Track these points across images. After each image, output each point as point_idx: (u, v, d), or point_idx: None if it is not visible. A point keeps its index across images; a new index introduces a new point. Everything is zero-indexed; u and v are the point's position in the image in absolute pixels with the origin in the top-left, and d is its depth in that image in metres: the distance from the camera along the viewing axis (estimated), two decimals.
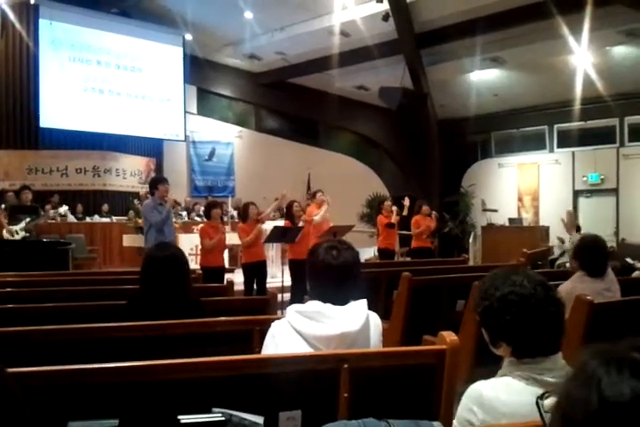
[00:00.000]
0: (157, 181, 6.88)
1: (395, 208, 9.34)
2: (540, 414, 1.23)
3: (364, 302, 2.14)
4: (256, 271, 7.38)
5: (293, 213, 7.82)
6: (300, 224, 7.79)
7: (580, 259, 3.79)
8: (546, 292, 1.63)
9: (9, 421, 0.78)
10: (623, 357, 0.87)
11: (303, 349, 2.02)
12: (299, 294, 7.30)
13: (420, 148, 15.04)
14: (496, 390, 1.58)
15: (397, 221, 9.39)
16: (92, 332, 2.60)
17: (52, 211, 12.37)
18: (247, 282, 7.32)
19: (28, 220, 7.68)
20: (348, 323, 2.04)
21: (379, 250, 9.56)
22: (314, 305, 2.08)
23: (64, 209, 11.38)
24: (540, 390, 1.52)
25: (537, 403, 1.26)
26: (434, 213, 9.73)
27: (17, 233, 7.52)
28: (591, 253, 3.78)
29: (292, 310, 2.09)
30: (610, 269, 3.84)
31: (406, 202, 9.68)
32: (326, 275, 2.12)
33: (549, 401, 1.21)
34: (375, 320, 2.20)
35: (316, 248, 2.20)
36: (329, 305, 2.06)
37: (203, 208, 9.95)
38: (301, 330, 2.04)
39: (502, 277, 1.68)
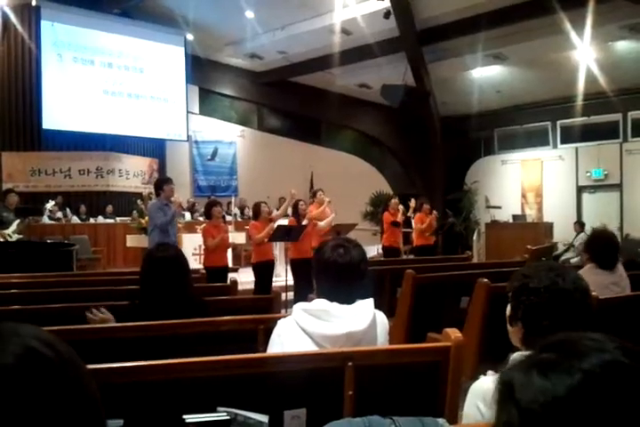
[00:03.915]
0: (163, 182, 6.89)
1: (401, 207, 9.39)
2: None
3: (370, 302, 2.14)
4: (267, 270, 7.41)
5: (299, 211, 7.87)
6: (304, 223, 7.81)
7: (590, 251, 3.80)
8: (583, 298, 1.63)
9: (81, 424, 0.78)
10: (531, 358, 0.80)
11: (309, 348, 2.02)
12: (302, 294, 7.33)
13: (422, 145, 15.02)
14: None
15: (403, 220, 9.46)
16: (96, 332, 2.60)
17: (58, 212, 12.45)
18: (259, 282, 7.31)
19: (17, 222, 7.70)
20: (354, 322, 2.04)
21: (383, 248, 9.57)
22: (320, 304, 2.08)
23: (51, 205, 11.59)
24: None
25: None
26: (434, 211, 9.84)
27: (10, 236, 7.53)
28: (602, 246, 3.80)
29: (299, 308, 2.09)
30: (620, 263, 3.84)
31: (412, 203, 9.73)
32: (333, 273, 2.12)
33: None
34: (382, 319, 2.20)
35: (323, 246, 2.20)
36: (335, 304, 2.06)
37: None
38: (308, 329, 2.03)
39: (550, 268, 1.70)
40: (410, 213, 9.69)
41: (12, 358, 0.74)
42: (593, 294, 3.20)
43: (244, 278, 7.37)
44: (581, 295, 1.63)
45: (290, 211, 8.19)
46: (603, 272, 3.68)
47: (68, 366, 0.78)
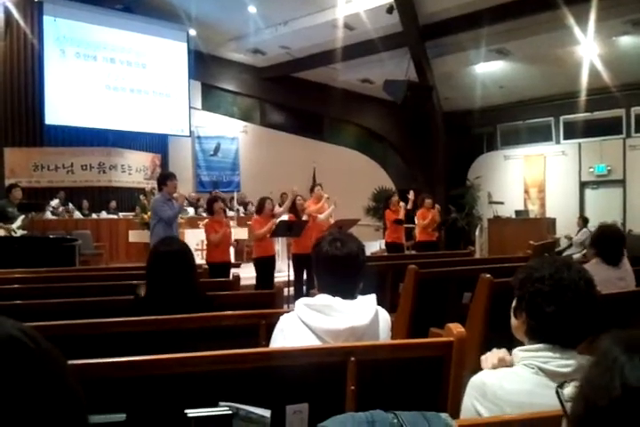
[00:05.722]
0: (166, 177, 6.93)
1: (402, 204, 9.39)
2: (561, 404, 1.23)
3: (373, 297, 2.15)
4: (268, 266, 7.43)
5: (297, 207, 7.88)
6: (304, 218, 7.83)
7: (597, 246, 3.83)
8: (588, 288, 1.63)
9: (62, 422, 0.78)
10: None
11: (311, 342, 2.02)
12: (300, 288, 7.37)
13: (425, 141, 15.00)
14: (500, 379, 1.57)
15: (405, 214, 9.46)
16: (99, 327, 2.60)
17: (61, 208, 12.46)
18: (260, 277, 7.35)
19: (22, 217, 7.70)
20: (357, 317, 2.04)
21: (386, 244, 9.58)
22: (323, 299, 2.08)
23: (55, 202, 11.67)
24: (545, 380, 1.51)
25: (557, 392, 1.26)
26: (437, 206, 9.83)
27: (15, 232, 7.54)
28: (609, 241, 3.83)
29: (302, 303, 2.10)
30: (626, 259, 3.85)
31: (411, 196, 9.71)
32: (332, 266, 2.12)
33: (569, 390, 1.21)
34: (384, 316, 2.20)
35: (320, 241, 2.21)
36: (338, 299, 2.07)
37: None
38: (310, 323, 2.04)
39: (555, 260, 1.71)
40: (409, 206, 9.66)
41: None
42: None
43: (246, 274, 7.39)
44: (586, 284, 1.63)
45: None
46: (608, 267, 3.70)
47: (49, 357, 0.78)
